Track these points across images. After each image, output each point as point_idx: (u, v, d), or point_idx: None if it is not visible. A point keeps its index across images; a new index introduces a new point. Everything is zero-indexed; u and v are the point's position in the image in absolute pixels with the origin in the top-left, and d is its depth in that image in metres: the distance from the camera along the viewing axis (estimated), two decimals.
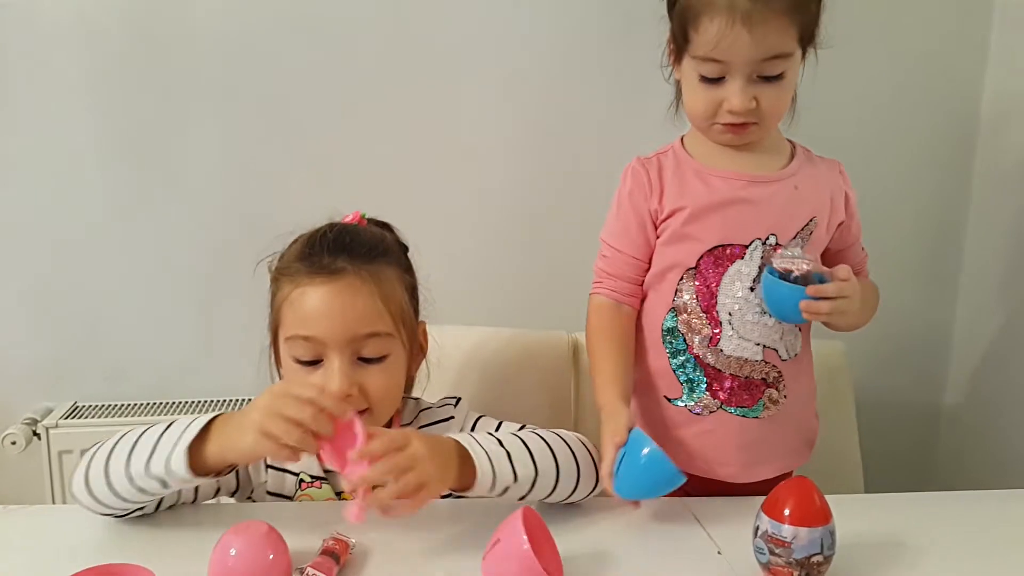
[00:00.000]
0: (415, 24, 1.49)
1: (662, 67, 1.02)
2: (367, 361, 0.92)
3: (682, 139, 1.05)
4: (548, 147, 1.56)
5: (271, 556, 0.75)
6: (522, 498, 0.88)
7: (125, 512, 0.87)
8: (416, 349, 1.00)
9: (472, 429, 1.02)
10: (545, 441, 0.93)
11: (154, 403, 1.56)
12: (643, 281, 1.03)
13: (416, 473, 0.79)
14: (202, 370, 1.58)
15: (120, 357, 1.57)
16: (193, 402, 1.57)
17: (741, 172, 0.99)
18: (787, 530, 0.76)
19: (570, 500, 0.93)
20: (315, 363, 0.91)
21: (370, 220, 1.03)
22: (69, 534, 0.88)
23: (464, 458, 0.85)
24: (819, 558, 0.77)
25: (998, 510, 0.98)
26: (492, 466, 0.85)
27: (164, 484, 0.82)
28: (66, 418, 1.50)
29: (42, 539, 0.88)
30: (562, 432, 0.97)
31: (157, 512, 0.90)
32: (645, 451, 0.88)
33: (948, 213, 1.59)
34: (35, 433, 1.49)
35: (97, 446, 0.87)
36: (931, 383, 1.66)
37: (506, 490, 0.87)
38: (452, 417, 1.03)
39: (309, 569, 0.75)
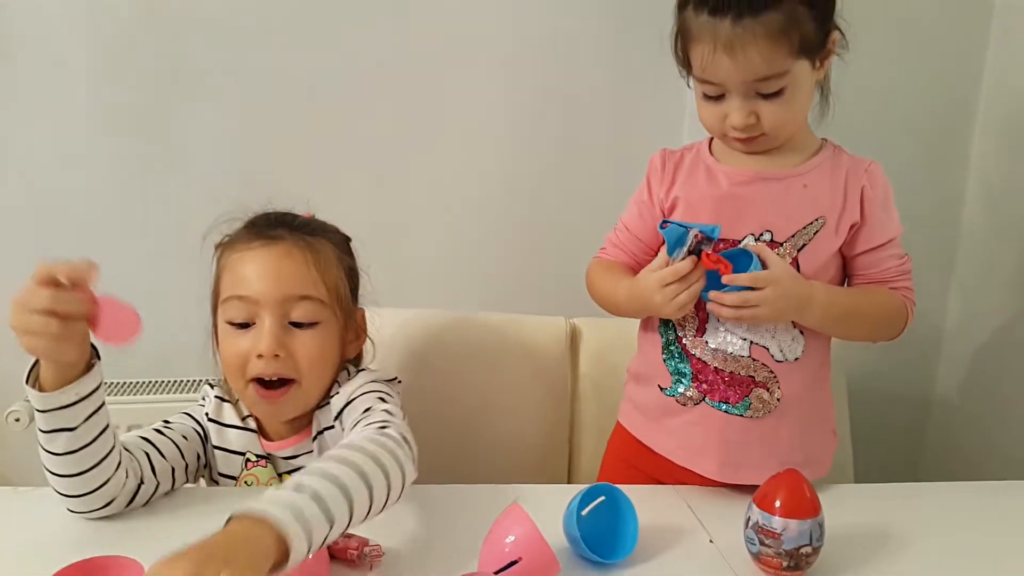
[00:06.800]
0: (416, 5, 1.49)
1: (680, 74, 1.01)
2: (297, 326, 0.94)
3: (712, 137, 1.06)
4: (547, 131, 1.56)
5: None
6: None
7: (88, 492, 0.86)
8: (353, 330, 1.02)
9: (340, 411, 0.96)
10: (357, 466, 0.75)
11: (154, 382, 1.57)
12: (644, 263, 1.03)
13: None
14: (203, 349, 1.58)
15: None
16: (193, 381, 1.58)
17: (748, 169, 1.00)
18: (777, 521, 0.78)
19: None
20: (248, 327, 0.94)
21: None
22: (67, 520, 0.88)
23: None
24: (808, 549, 0.79)
25: (988, 501, 1.00)
26: (304, 529, 0.66)
27: (53, 426, 0.84)
28: None
29: (41, 523, 0.89)
30: (376, 442, 0.80)
31: (131, 507, 0.90)
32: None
33: (943, 204, 1.59)
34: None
35: None
36: (922, 373, 1.67)
37: (326, 538, 0.70)
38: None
39: None
